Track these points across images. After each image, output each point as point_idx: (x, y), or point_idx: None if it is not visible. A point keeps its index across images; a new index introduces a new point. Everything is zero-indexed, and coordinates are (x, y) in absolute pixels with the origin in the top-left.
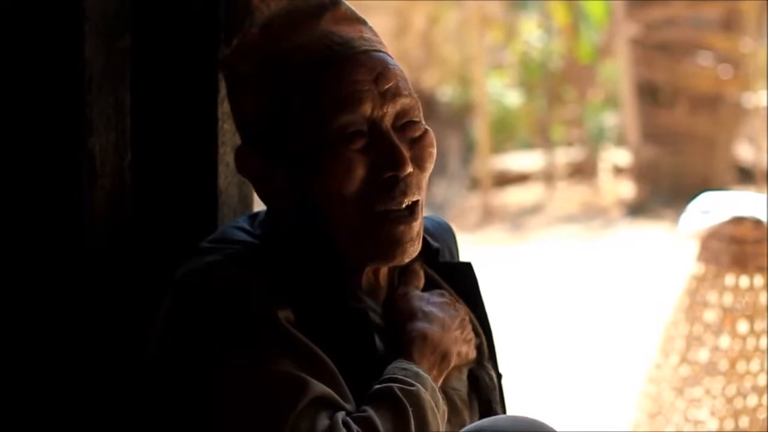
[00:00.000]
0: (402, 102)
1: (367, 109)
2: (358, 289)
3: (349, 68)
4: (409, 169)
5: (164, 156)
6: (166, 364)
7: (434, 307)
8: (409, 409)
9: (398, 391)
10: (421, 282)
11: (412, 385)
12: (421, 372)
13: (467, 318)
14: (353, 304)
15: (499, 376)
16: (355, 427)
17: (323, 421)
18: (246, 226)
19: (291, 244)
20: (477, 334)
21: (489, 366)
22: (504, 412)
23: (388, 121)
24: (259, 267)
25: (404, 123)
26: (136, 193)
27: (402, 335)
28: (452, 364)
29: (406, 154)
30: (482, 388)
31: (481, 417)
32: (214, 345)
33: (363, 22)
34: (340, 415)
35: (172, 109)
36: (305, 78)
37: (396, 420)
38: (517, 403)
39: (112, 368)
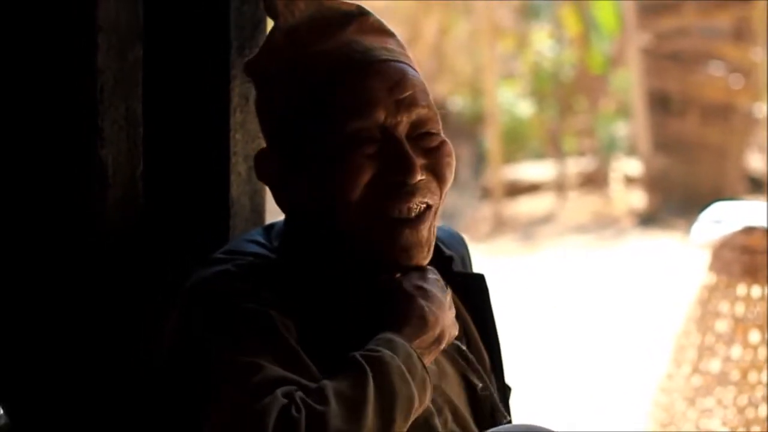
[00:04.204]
0: (418, 112)
1: (380, 116)
2: (371, 295)
3: (365, 75)
4: (419, 176)
5: (176, 166)
6: (172, 369)
7: (432, 285)
8: (369, 373)
9: (359, 357)
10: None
11: (376, 351)
12: (396, 339)
13: (451, 299)
14: (362, 314)
15: (507, 389)
16: (299, 394)
17: (273, 396)
18: (260, 238)
19: (306, 254)
20: (480, 347)
21: (493, 378)
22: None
23: (402, 130)
24: (268, 279)
25: (420, 133)
26: (148, 203)
27: (396, 312)
28: (443, 346)
29: (417, 161)
30: (482, 400)
31: (486, 428)
32: (212, 351)
33: (390, 34)
34: (291, 389)
35: (184, 120)
36: (323, 83)
37: (352, 384)
38: (528, 413)
39: (124, 375)
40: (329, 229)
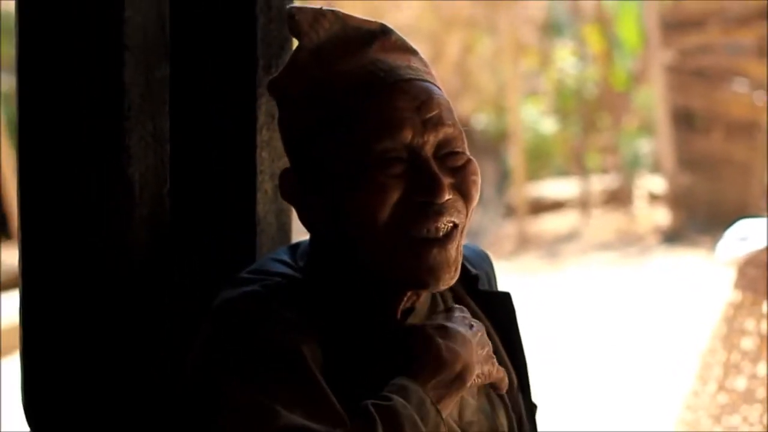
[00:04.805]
0: (445, 131)
1: (407, 136)
2: (395, 317)
3: (391, 95)
4: (447, 196)
5: (203, 184)
6: (189, 391)
7: (455, 322)
8: (379, 425)
9: (371, 407)
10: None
11: (389, 399)
12: (410, 385)
13: (485, 335)
14: (389, 334)
15: (534, 407)
16: None
17: None
18: (286, 258)
19: (330, 273)
20: (507, 366)
21: (520, 396)
22: None
23: (429, 150)
24: (295, 300)
25: (446, 153)
26: (175, 221)
27: (412, 353)
28: (469, 384)
29: (445, 181)
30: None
31: None
32: (230, 384)
33: (413, 53)
34: None
35: (211, 138)
36: (347, 103)
37: None
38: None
39: (150, 391)
40: (352, 250)
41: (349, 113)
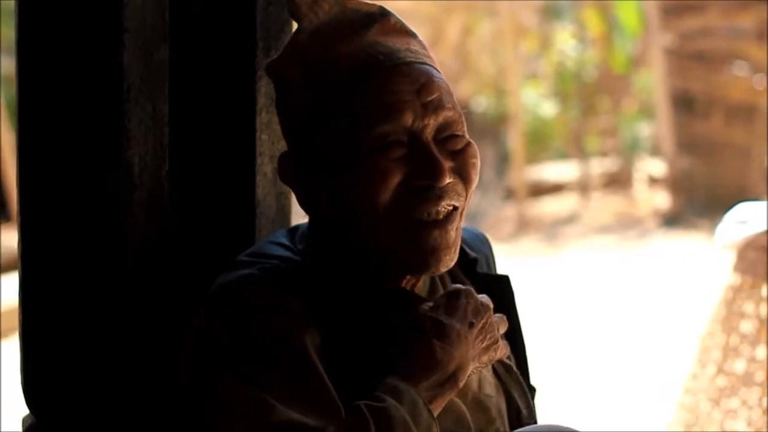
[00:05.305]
0: (445, 115)
1: (408, 119)
2: (395, 299)
3: (391, 78)
4: (447, 179)
5: (202, 167)
6: (184, 380)
7: (454, 318)
8: (372, 426)
9: (363, 408)
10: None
11: (382, 400)
12: (401, 385)
13: (490, 319)
14: (390, 317)
15: (532, 390)
16: None
17: None
18: (285, 240)
19: (330, 256)
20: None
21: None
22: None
23: (429, 133)
24: (294, 283)
25: (446, 136)
26: (174, 203)
27: (406, 352)
28: (463, 381)
29: (445, 165)
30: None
31: (512, 429)
32: (224, 373)
33: (412, 35)
34: None
35: (210, 120)
36: (347, 86)
37: None
38: (552, 414)
39: (150, 378)
40: (352, 233)
41: (349, 96)
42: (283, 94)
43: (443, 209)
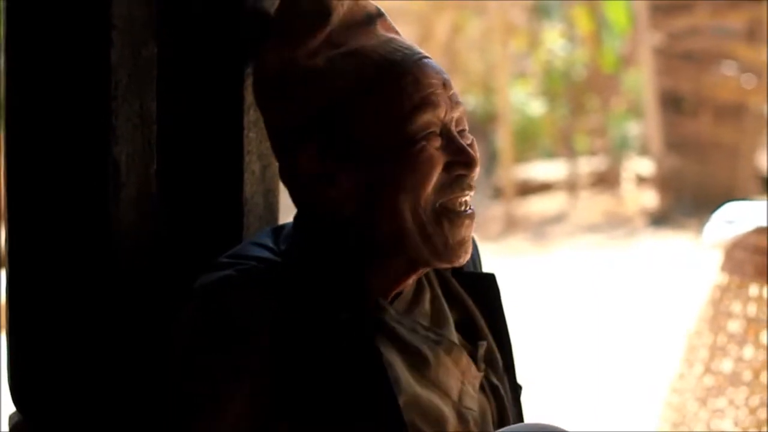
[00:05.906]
0: (460, 109)
1: (441, 111)
2: (386, 300)
3: (424, 71)
4: (478, 170)
5: (190, 165)
6: (162, 376)
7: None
8: None
9: None
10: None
11: None
12: None
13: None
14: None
15: (518, 388)
16: None
17: None
18: (268, 241)
19: (318, 258)
20: (492, 348)
21: (506, 378)
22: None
23: (453, 127)
24: (269, 285)
25: (461, 130)
26: (162, 202)
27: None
28: None
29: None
30: (499, 399)
31: (497, 428)
32: (186, 362)
33: (399, 34)
34: None
35: (198, 118)
36: (376, 78)
37: None
38: (539, 413)
39: (137, 375)
40: (369, 228)
41: (381, 88)
42: (296, 87)
43: (470, 200)
